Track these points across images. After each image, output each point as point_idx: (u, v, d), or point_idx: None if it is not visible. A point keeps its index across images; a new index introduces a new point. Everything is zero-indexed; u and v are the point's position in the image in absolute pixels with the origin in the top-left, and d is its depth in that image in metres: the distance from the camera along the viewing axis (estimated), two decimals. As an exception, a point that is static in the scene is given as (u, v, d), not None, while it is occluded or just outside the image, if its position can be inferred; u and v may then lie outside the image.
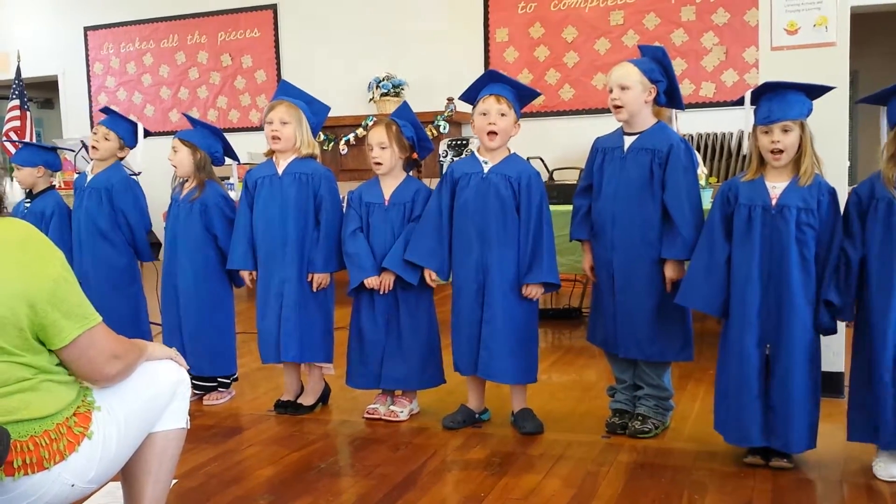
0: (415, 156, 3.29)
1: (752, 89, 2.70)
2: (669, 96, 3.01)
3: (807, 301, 2.60)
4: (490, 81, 3.09)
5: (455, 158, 5.86)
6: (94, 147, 3.77)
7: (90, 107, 9.01)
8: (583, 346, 4.47)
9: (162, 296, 3.66)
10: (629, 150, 2.95)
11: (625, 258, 2.96)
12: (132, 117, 4.07)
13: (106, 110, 3.87)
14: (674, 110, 4.60)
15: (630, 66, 2.94)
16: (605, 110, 6.83)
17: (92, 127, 8.96)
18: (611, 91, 2.94)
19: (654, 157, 2.90)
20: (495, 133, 3.02)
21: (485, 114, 3.04)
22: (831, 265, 2.59)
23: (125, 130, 3.80)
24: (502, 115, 3.02)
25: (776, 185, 2.64)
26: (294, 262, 3.32)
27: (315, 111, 3.41)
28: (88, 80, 9.07)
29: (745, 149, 2.85)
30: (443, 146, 6.05)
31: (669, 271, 2.90)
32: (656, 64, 2.96)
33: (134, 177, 3.88)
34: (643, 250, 2.93)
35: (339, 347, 3.46)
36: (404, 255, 3.15)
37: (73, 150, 6.81)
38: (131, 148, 3.84)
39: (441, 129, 6.84)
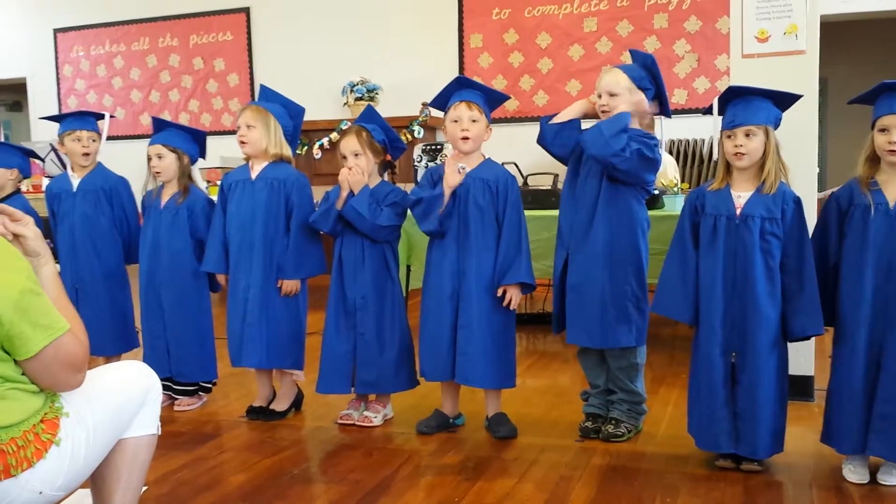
0: (388, 157, 3.29)
1: (718, 96, 2.73)
2: (657, 103, 3.02)
3: (772, 309, 2.62)
4: (459, 88, 3.10)
5: (430, 163, 5.86)
6: (85, 152, 3.68)
7: (59, 109, 8.88)
8: (557, 352, 4.48)
9: (143, 302, 3.61)
10: None
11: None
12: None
13: (56, 118, 3.79)
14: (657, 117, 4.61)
15: (619, 72, 2.94)
16: (579, 116, 6.93)
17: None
18: (599, 97, 2.96)
19: None
20: (468, 138, 3.04)
21: (456, 121, 3.05)
22: (810, 275, 2.60)
23: (93, 125, 3.73)
24: (474, 120, 3.04)
25: (741, 195, 2.66)
26: (259, 267, 3.30)
27: (293, 114, 3.41)
28: (58, 83, 8.96)
29: (716, 155, 2.89)
30: (417, 151, 6.05)
31: None
32: (645, 71, 2.97)
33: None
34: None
35: (313, 353, 3.44)
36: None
37: (41, 157, 6.71)
38: (99, 134, 3.76)
39: (416, 134, 6.85)
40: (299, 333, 3.42)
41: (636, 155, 2.83)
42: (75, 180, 3.75)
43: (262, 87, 3.52)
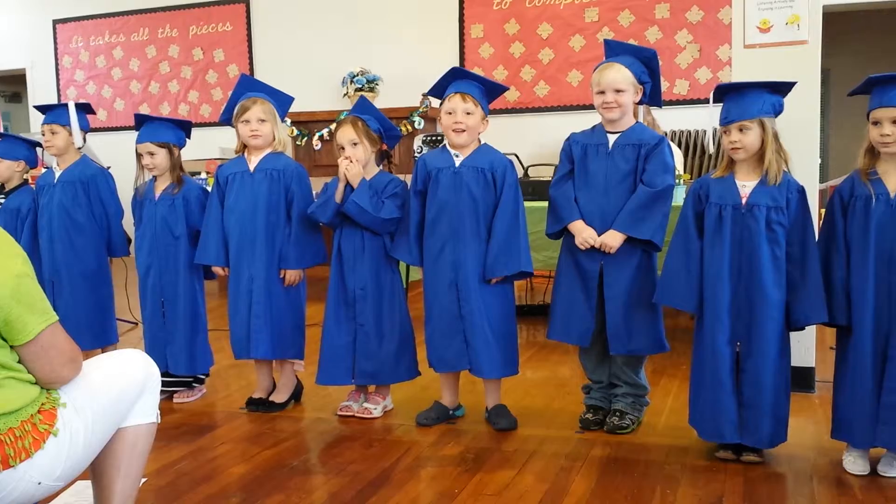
0: (384, 147, 3.28)
1: (712, 93, 2.72)
2: (652, 95, 3.02)
3: (779, 297, 2.62)
4: (454, 78, 3.08)
5: (430, 154, 5.83)
6: (48, 146, 3.73)
7: (58, 100, 8.88)
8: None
9: (142, 296, 3.57)
10: (615, 147, 2.95)
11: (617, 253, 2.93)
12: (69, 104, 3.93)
13: (41, 108, 3.82)
14: (642, 108, 4.63)
15: (623, 68, 2.91)
16: (580, 107, 6.92)
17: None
18: (602, 93, 2.91)
19: (640, 151, 2.91)
20: (461, 131, 3.02)
21: (450, 112, 3.03)
22: (813, 263, 2.59)
23: (67, 118, 3.72)
24: (468, 113, 3.01)
25: (746, 184, 2.66)
26: (263, 258, 3.29)
27: (281, 103, 3.39)
28: (57, 74, 8.94)
29: (710, 147, 2.94)
30: (417, 142, 6.03)
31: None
32: (645, 66, 2.96)
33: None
34: (633, 242, 2.93)
35: (313, 344, 3.44)
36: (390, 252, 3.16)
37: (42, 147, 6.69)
38: (85, 130, 3.77)
39: (416, 125, 6.82)
40: (301, 323, 3.42)
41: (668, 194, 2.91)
42: (58, 172, 3.77)
43: (244, 77, 3.50)
